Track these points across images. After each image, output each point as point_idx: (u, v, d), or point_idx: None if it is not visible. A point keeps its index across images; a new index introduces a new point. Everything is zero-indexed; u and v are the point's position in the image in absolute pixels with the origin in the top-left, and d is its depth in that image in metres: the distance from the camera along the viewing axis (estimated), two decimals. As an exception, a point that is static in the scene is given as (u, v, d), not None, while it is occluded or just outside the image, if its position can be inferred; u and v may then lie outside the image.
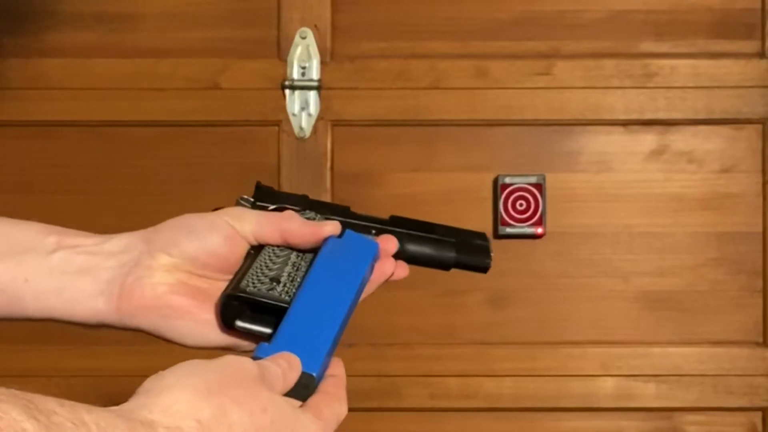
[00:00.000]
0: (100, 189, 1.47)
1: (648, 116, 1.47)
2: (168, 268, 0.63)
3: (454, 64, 1.47)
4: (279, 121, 1.46)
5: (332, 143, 1.47)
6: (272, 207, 0.71)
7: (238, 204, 0.71)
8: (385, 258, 0.69)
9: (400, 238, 0.72)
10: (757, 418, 1.46)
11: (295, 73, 1.47)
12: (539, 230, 1.45)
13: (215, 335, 0.63)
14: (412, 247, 0.74)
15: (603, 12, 1.49)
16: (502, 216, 1.45)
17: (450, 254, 0.78)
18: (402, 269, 0.72)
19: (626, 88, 1.46)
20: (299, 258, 0.66)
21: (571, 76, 1.47)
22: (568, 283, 1.47)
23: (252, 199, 0.72)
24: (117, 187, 1.47)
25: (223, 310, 0.61)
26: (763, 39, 1.48)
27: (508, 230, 1.45)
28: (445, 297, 1.47)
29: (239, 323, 0.61)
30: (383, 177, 1.47)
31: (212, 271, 0.64)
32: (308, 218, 0.68)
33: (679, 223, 1.47)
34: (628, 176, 1.47)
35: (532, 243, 1.46)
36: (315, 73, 1.47)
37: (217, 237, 0.64)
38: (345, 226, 0.68)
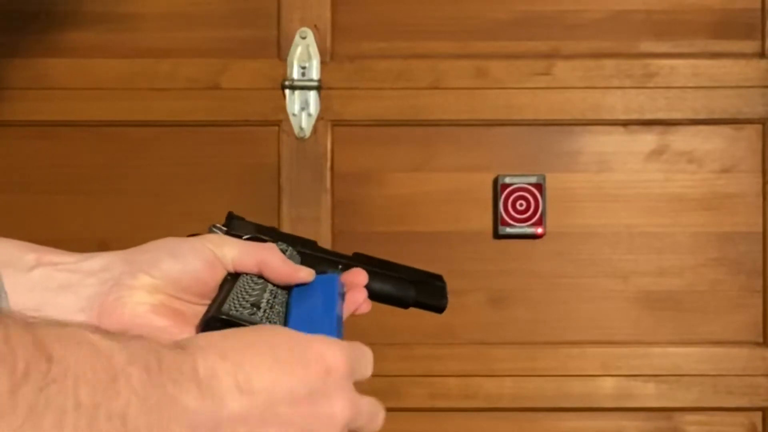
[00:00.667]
0: (100, 189, 1.47)
1: (648, 116, 1.47)
2: (148, 289, 0.64)
3: (454, 64, 1.47)
4: (279, 121, 1.47)
5: (332, 143, 1.47)
6: (246, 237, 0.73)
7: (210, 232, 0.73)
8: (355, 289, 0.71)
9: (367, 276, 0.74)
10: (757, 418, 1.46)
11: (295, 73, 1.47)
12: (539, 230, 1.45)
13: None
14: (376, 285, 0.77)
15: (603, 12, 1.49)
16: (502, 216, 1.45)
17: (410, 294, 0.80)
18: (366, 304, 0.73)
19: (626, 88, 1.46)
20: (276, 287, 0.68)
21: (571, 76, 1.47)
22: (568, 283, 1.47)
23: (224, 228, 0.74)
24: (117, 187, 1.47)
25: (204, 330, 0.62)
26: (763, 39, 1.48)
27: (508, 230, 1.45)
28: (445, 297, 1.47)
29: None
30: (383, 177, 1.47)
31: (191, 294, 0.65)
32: (281, 250, 0.70)
33: (679, 223, 1.47)
34: (628, 176, 1.47)
35: (532, 243, 1.46)
36: (315, 73, 1.47)
37: (200, 262, 0.65)
38: (313, 260, 0.72)
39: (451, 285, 1.46)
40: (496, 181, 1.46)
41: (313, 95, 1.47)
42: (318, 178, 1.45)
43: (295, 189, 1.46)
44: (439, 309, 0.82)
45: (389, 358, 1.46)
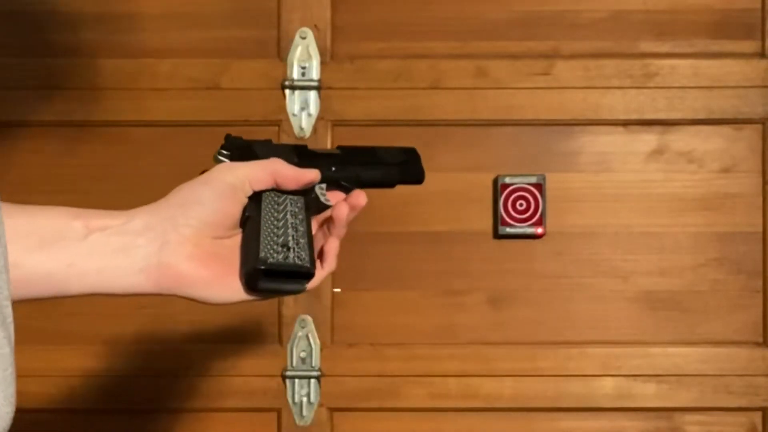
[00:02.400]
0: (100, 189, 1.47)
1: (648, 116, 1.47)
2: (193, 241, 0.71)
3: (454, 64, 1.47)
4: (279, 121, 1.47)
5: (332, 143, 1.47)
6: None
7: (216, 161, 0.83)
8: (357, 207, 0.81)
9: (356, 171, 0.87)
10: (757, 418, 1.46)
11: (295, 73, 1.47)
12: (539, 230, 1.45)
13: (238, 295, 0.74)
14: (366, 176, 0.88)
15: (603, 12, 1.49)
16: (502, 216, 1.45)
17: (395, 176, 0.91)
18: (361, 197, 0.82)
19: (626, 88, 1.47)
20: (293, 217, 0.77)
21: (571, 76, 1.47)
22: (568, 283, 1.47)
23: (226, 152, 0.84)
24: (117, 187, 1.47)
25: (248, 279, 0.73)
26: (763, 39, 1.48)
27: (508, 230, 1.45)
28: (445, 297, 1.47)
29: (262, 285, 0.73)
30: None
31: (224, 229, 0.74)
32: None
33: (679, 223, 1.47)
34: (628, 176, 1.47)
35: (532, 243, 1.47)
36: (315, 73, 1.47)
37: (223, 198, 0.74)
38: (307, 164, 0.82)
39: (451, 285, 1.47)
40: (496, 181, 1.46)
41: (313, 95, 1.47)
42: (318, 178, 1.45)
43: (295, 189, 1.46)
44: (419, 182, 0.92)
45: (389, 358, 1.46)
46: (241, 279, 0.74)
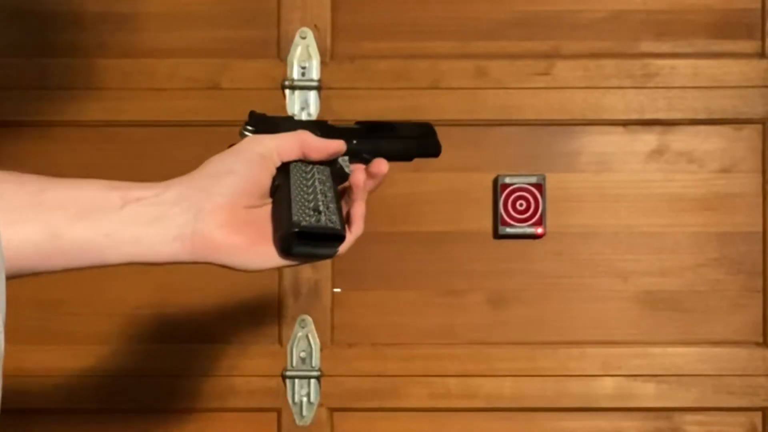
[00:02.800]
0: (100, 189, 1.47)
1: (648, 116, 1.47)
2: (227, 209, 0.73)
3: (454, 64, 1.47)
4: (279, 121, 1.46)
5: (332, 143, 1.47)
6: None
7: (242, 136, 0.87)
8: (378, 174, 0.85)
9: (377, 143, 0.91)
10: (757, 418, 1.46)
11: (295, 73, 1.47)
12: (539, 230, 1.45)
13: (271, 262, 0.76)
14: (386, 148, 0.91)
15: (603, 12, 1.49)
16: (502, 216, 1.45)
17: (413, 148, 0.95)
18: (383, 164, 0.85)
19: (626, 88, 1.47)
20: (321, 184, 0.80)
21: (571, 76, 1.47)
22: (568, 283, 1.47)
23: (252, 128, 0.88)
24: (117, 187, 1.47)
25: (282, 242, 0.75)
26: (763, 39, 1.48)
27: (508, 230, 1.45)
28: (445, 297, 1.47)
29: (296, 249, 0.75)
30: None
31: (256, 198, 0.76)
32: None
33: (679, 223, 1.47)
34: (628, 176, 1.47)
35: (532, 243, 1.47)
36: (315, 73, 1.47)
37: (253, 166, 0.76)
38: (329, 134, 0.86)
39: (451, 285, 1.47)
40: (496, 181, 1.46)
41: (313, 95, 1.47)
42: (318, 178, 1.45)
43: (295, 189, 1.46)
44: (436, 154, 0.98)
45: (389, 358, 1.46)
46: (275, 244, 0.75)
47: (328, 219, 0.77)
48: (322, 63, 1.47)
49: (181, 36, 1.48)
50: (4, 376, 1.49)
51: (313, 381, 1.46)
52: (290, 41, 1.47)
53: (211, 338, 1.46)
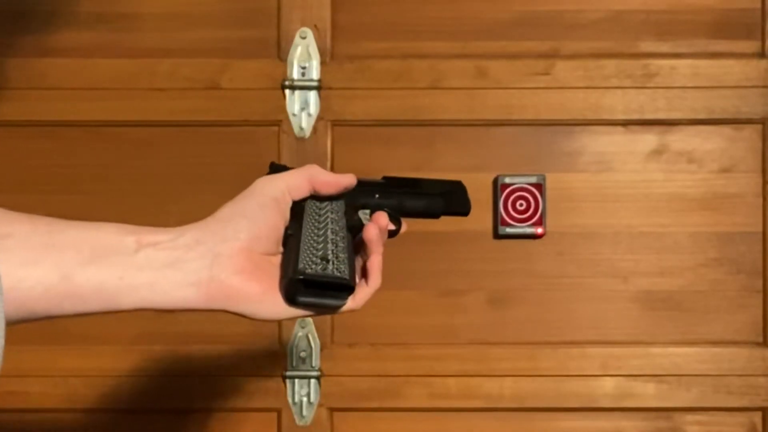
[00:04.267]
0: (100, 189, 1.47)
1: (648, 116, 1.47)
2: (244, 254, 0.72)
3: (454, 64, 1.47)
4: (279, 121, 1.47)
5: (332, 143, 1.47)
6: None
7: None
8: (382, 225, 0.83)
9: (400, 198, 0.89)
10: (757, 418, 1.46)
11: (295, 73, 1.47)
12: (539, 230, 1.45)
13: (283, 313, 0.75)
14: (410, 205, 0.89)
15: (603, 12, 1.49)
16: (502, 216, 1.45)
17: (439, 205, 0.91)
18: (383, 218, 0.83)
19: (626, 88, 1.47)
20: (334, 234, 0.78)
21: (571, 76, 1.47)
22: (568, 283, 1.47)
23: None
24: (117, 187, 1.47)
25: (287, 291, 0.73)
26: (763, 39, 1.48)
27: (508, 230, 1.45)
28: (445, 297, 1.47)
29: (300, 299, 0.73)
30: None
31: (272, 243, 0.75)
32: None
33: (679, 223, 1.47)
34: (628, 176, 1.47)
35: (532, 243, 1.47)
36: (315, 73, 1.47)
37: (267, 211, 0.75)
38: (351, 191, 0.84)
39: (451, 285, 1.47)
40: (496, 181, 1.46)
41: (313, 95, 1.47)
42: (318, 178, 1.45)
43: (295, 189, 1.46)
44: (465, 213, 0.93)
45: (389, 358, 1.46)
46: (280, 292, 0.74)
47: (335, 268, 0.74)
48: (322, 63, 1.47)
49: (181, 36, 1.48)
50: (4, 377, 1.49)
51: (313, 381, 1.46)
52: (290, 41, 1.47)
53: (211, 338, 1.46)
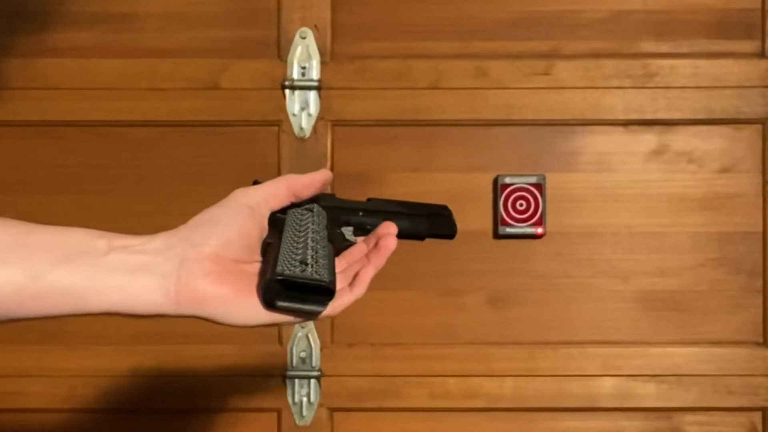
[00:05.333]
0: (100, 189, 1.47)
1: (648, 116, 1.47)
2: (213, 258, 0.71)
3: (454, 64, 1.47)
4: (279, 121, 1.47)
5: (332, 143, 1.47)
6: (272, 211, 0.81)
7: None
8: (388, 236, 0.82)
9: (385, 217, 0.87)
10: (757, 418, 1.46)
11: (295, 73, 1.47)
12: (539, 230, 1.45)
13: (259, 317, 0.72)
14: (395, 224, 0.86)
15: (603, 12, 1.49)
16: (502, 216, 1.45)
17: (424, 226, 0.92)
18: (393, 240, 0.83)
19: (626, 88, 1.47)
20: (314, 242, 0.77)
21: (571, 76, 1.47)
22: (568, 283, 1.47)
23: None
24: (117, 187, 1.47)
25: (265, 293, 0.71)
26: (763, 39, 1.48)
27: (508, 230, 1.45)
28: (445, 297, 1.47)
29: (279, 302, 0.71)
30: (383, 177, 1.47)
31: (244, 251, 0.74)
32: (308, 209, 0.82)
33: (679, 223, 1.47)
34: (628, 176, 1.47)
35: (532, 243, 1.47)
36: (315, 73, 1.47)
37: (240, 217, 0.74)
38: (335, 210, 0.84)
39: (451, 285, 1.47)
40: (496, 181, 1.46)
41: (313, 95, 1.47)
42: (318, 178, 1.45)
43: (295, 189, 1.46)
44: (451, 236, 0.94)
45: (389, 358, 1.46)
46: (258, 295, 0.72)
47: (314, 271, 0.73)
48: (322, 63, 1.47)
49: (181, 36, 1.48)
50: (4, 377, 1.49)
51: (313, 381, 1.46)
52: (290, 41, 1.47)
53: (211, 338, 1.46)
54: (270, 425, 1.47)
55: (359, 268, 0.79)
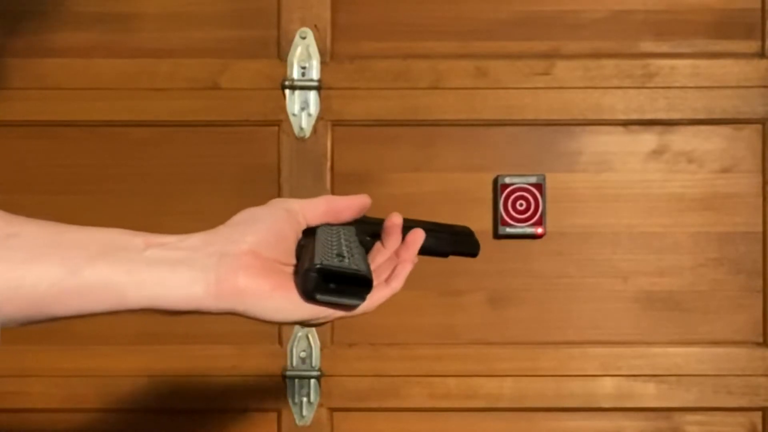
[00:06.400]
0: (100, 189, 1.47)
1: (648, 116, 1.47)
2: (252, 255, 0.71)
3: (454, 64, 1.47)
4: (279, 121, 1.47)
5: (332, 143, 1.47)
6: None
7: None
8: (416, 232, 0.86)
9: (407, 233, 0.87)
10: (757, 418, 1.46)
11: (295, 73, 1.47)
12: (539, 230, 1.45)
13: (297, 311, 0.73)
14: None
15: (603, 12, 1.49)
16: (502, 216, 1.45)
17: (448, 245, 0.93)
18: (420, 233, 0.86)
19: (626, 88, 1.47)
20: (347, 241, 0.78)
21: (571, 76, 1.47)
22: (568, 283, 1.47)
23: None
24: (117, 187, 1.47)
25: (304, 284, 0.71)
26: (763, 39, 1.48)
27: (508, 230, 1.45)
28: (445, 297, 1.47)
29: (318, 295, 0.71)
30: (383, 177, 1.47)
31: (281, 252, 0.74)
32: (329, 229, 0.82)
33: (679, 223, 1.47)
34: (628, 176, 1.47)
35: (532, 243, 1.47)
36: (315, 73, 1.47)
37: (279, 219, 0.75)
38: (359, 224, 0.84)
39: (451, 285, 1.47)
40: (496, 181, 1.46)
41: (313, 95, 1.47)
42: (318, 178, 1.45)
43: (295, 189, 1.46)
44: (474, 255, 0.94)
45: (389, 358, 1.46)
46: (297, 288, 0.72)
47: (352, 263, 0.73)
48: (322, 63, 1.47)
49: (181, 36, 1.48)
50: (4, 377, 1.49)
51: (313, 381, 1.46)
52: (290, 41, 1.47)
53: (211, 338, 1.46)
54: (270, 425, 1.47)
55: (389, 268, 0.81)
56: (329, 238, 0.77)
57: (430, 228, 0.90)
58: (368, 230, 0.86)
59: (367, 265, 0.75)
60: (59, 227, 0.69)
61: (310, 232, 0.78)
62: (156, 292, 0.68)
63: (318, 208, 0.79)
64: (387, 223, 0.84)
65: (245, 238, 0.72)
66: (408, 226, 0.87)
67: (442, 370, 1.46)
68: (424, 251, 0.88)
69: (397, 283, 0.79)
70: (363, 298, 0.74)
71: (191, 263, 0.70)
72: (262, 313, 0.72)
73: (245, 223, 0.74)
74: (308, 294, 0.71)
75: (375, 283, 0.77)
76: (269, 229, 0.74)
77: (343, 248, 0.75)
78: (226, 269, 0.70)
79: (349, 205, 0.81)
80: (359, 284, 0.73)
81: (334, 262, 0.71)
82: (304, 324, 0.75)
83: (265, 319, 0.72)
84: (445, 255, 0.93)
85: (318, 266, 0.70)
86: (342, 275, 0.71)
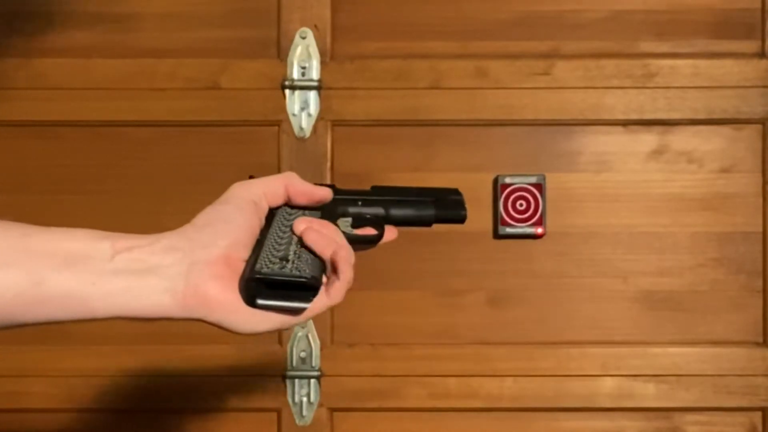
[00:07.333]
0: (100, 189, 1.47)
1: (648, 116, 1.47)
2: (222, 261, 0.69)
3: (454, 64, 1.47)
4: (279, 121, 1.47)
5: (332, 143, 1.47)
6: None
7: None
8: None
9: (385, 205, 0.83)
10: (757, 418, 1.46)
11: (295, 73, 1.47)
12: (539, 230, 1.45)
13: (266, 322, 0.71)
14: (398, 212, 0.84)
15: (603, 12, 1.49)
16: (502, 216, 1.45)
17: (430, 212, 0.86)
18: (391, 232, 0.83)
19: (626, 88, 1.47)
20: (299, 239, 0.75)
21: (571, 76, 1.47)
22: (568, 283, 1.47)
23: None
24: (117, 187, 1.47)
25: (244, 292, 0.69)
26: (763, 39, 1.48)
27: (508, 230, 1.45)
28: (445, 297, 1.47)
29: (260, 301, 0.69)
30: (383, 177, 1.47)
31: (250, 248, 0.72)
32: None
33: (679, 223, 1.47)
34: (628, 176, 1.47)
35: (532, 243, 1.47)
36: (315, 73, 1.47)
37: (247, 214, 0.73)
38: (334, 200, 0.80)
39: (451, 285, 1.47)
40: (496, 181, 1.46)
41: (313, 95, 1.47)
42: (318, 178, 1.45)
43: (295, 189, 1.46)
44: (460, 220, 0.87)
45: (389, 358, 1.46)
46: (240, 294, 0.70)
47: (294, 267, 0.70)
48: (322, 63, 1.47)
49: (181, 36, 1.48)
50: (4, 377, 1.49)
51: (313, 381, 1.46)
52: (290, 41, 1.47)
53: (211, 338, 1.46)
54: (270, 425, 1.47)
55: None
56: (281, 234, 0.75)
57: (411, 198, 0.85)
58: (338, 211, 0.81)
59: (316, 266, 0.73)
60: (25, 230, 0.67)
61: (269, 218, 0.76)
62: (122, 303, 0.67)
63: (278, 191, 0.77)
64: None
65: (217, 242, 0.70)
66: (385, 197, 0.84)
67: (441, 370, 1.46)
68: (404, 222, 0.84)
69: (345, 274, 0.74)
70: (309, 301, 0.71)
71: (159, 271, 0.68)
72: (231, 325, 0.70)
73: (215, 225, 0.72)
74: (250, 302, 0.70)
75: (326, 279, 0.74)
76: (240, 227, 0.72)
77: (291, 248, 0.73)
78: (196, 279, 0.68)
79: (308, 194, 0.79)
80: (304, 289, 0.71)
81: (275, 269, 0.69)
82: (276, 331, 0.73)
83: (235, 331, 0.71)
84: (428, 224, 0.87)
85: (257, 276, 0.69)
86: (282, 283, 0.70)
